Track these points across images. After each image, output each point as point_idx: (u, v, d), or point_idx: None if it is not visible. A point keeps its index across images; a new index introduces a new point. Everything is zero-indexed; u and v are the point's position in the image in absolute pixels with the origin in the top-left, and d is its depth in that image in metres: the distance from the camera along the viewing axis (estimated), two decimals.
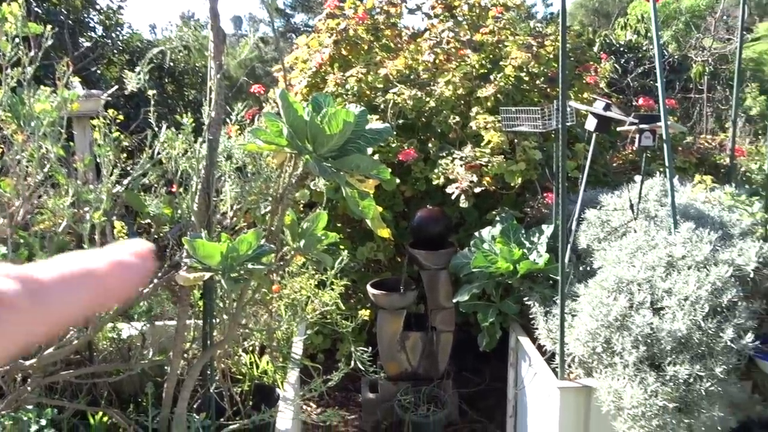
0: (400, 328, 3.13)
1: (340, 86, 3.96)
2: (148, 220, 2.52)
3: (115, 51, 8.44)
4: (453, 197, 3.22)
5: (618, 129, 3.06)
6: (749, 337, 2.06)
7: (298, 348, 2.61)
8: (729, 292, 2.16)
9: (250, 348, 2.57)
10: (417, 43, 4.32)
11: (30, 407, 1.78)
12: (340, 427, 3.08)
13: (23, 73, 2.07)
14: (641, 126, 2.73)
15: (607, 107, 2.79)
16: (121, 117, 2.03)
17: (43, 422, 1.71)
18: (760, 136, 6.62)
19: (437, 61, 4.03)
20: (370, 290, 3.13)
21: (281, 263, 2.11)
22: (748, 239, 2.43)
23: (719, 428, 2.05)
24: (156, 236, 2.49)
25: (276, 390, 2.42)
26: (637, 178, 2.97)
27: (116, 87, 3.91)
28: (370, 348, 2.67)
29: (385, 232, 2.10)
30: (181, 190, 2.22)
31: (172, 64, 8.99)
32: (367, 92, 3.98)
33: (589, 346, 2.28)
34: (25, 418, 1.70)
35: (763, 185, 3.74)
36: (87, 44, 7.52)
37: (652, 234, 2.54)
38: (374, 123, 2.05)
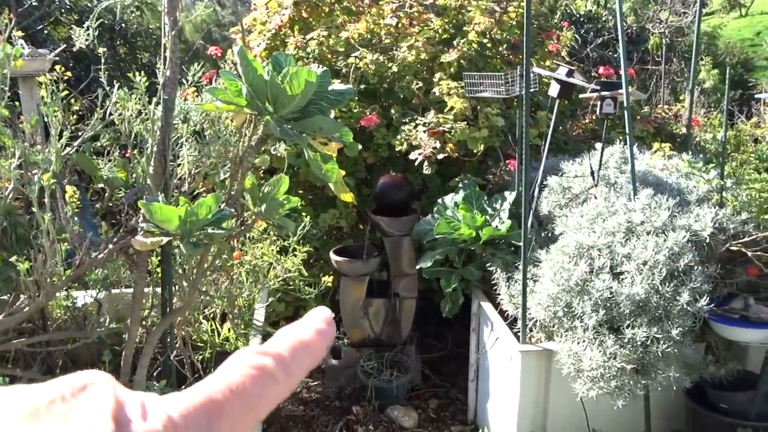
0: (363, 295, 3.12)
1: (300, 49, 3.85)
2: (102, 185, 2.42)
3: (63, 10, 8.04)
4: (416, 164, 3.19)
5: (580, 96, 3.07)
6: (704, 301, 2.12)
7: (260, 315, 2.57)
8: (686, 257, 2.21)
9: (211, 315, 2.52)
10: (379, 6, 4.23)
11: None
12: (303, 392, 3.08)
13: None
14: (603, 93, 2.74)
15: (570, 73, 2.79)
16: (69, 74, 1.93)
17: None
18: (712, 108, 6.77)
19: (400, 25, 3.96)
20: (333, 257, 3.10)
21: (242, 228, 2.05)
22: (705, 205, 2.48)
23: (675, 388, 2.11)
24: (110, 201, 2.40)
25: None
26: (598, 145, 3.00)
27: (64, 46, 3.72)
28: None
29: (348, 197, 2.06)
30: (135, 153, 2.13)
31: (124, 25, 8.63)
32: (329, 56, 3.89)
33: (551, 310, 2.31)
34: None
35: (716, 154, 3.83)
36: (32, 2, 7.14)
37: (612, 200, 2.57)
38: (337, 84, 1.99)
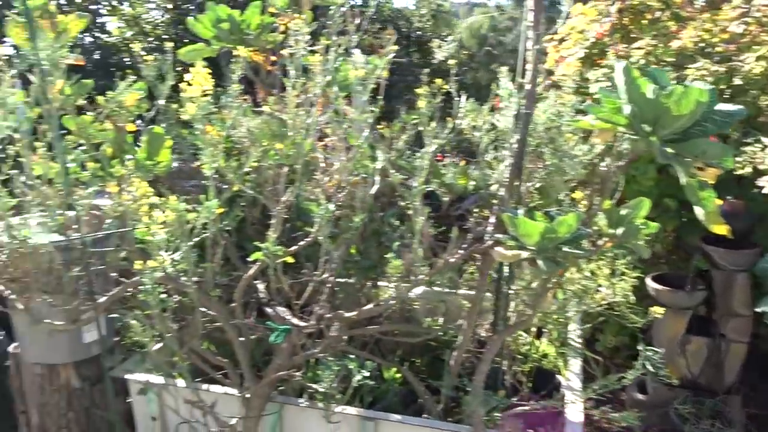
0: (683, 330, 2.83)
1: (622, 59, 3.65)
2: (442, 189, 2.54)
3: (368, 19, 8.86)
4: (764, 190, 2.79)
5: None
6: None
7: (576, 336, 2.49)
8: None
9: (529, 330, 2.51)
10: (716, 12, 3.80)
11: (352, 357, 1.90)
12: (603, 423, 2.91)
13: (349, 41, 2.19)
14: None
15: None
16: (446, 87, 2.05)
17: (366, 373, 1.81)
18: None
19: (745, 32, 3.50)
20: (651, 284, 2.88)
21: (593, 249, 1.98)
22: None
23: None
24: (450, 204, 2.52)
25: (556, 376, 2.33)
26: None
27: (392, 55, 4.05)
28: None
29: (722, 229, 1.85)
30: (491, 161, 2.20)
31: (419, 33, 9.23)
32: (654, 66, 3.62)
33: None
34: (351, 366, 1.82)
35: None
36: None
37: None
38: (724, 104, 1.79)
